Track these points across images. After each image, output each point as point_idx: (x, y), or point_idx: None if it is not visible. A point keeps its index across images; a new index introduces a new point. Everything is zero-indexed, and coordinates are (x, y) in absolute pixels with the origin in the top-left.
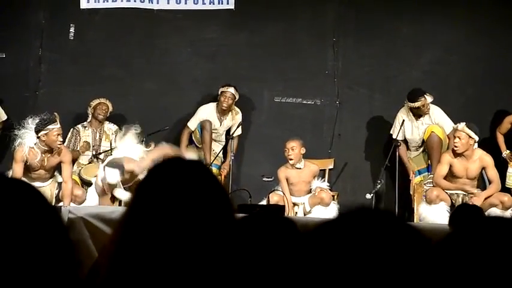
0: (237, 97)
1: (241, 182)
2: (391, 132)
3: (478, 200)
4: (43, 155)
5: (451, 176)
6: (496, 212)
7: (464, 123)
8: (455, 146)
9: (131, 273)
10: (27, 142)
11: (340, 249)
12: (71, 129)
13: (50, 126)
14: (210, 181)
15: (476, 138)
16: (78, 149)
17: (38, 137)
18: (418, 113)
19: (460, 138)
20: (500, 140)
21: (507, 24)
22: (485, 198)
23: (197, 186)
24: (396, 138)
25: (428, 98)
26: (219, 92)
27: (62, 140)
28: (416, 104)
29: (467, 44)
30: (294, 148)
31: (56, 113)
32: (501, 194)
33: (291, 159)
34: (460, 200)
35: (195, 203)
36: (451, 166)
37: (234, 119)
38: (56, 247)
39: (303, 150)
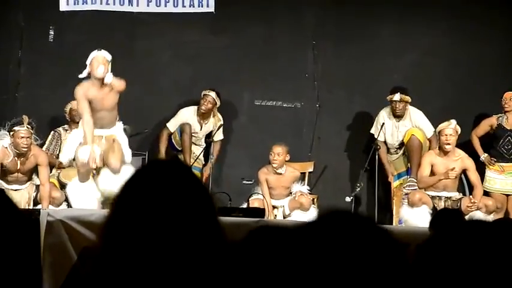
0: (218, 103)
1: (221, 185)
2: (371, 131)
3: (477, 204)
4: (16, 158)
5: (432, 175)
6: (479, 216)
7: (453, 120)
8: (448, 144)
9: (115, 276)
10: (2, 142)
11: (316, 253)
12: (52, 132)
13: (15, 128)
14: (193, 183)
15: (459, 131)
16: (58, 152)
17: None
18: (396, 111)
19: (452, 136)
20: (476, 142)
21: (487, 28)
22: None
23: (180, 188)
24: (376, 141)
25: (407, 97)
26: (202, 95)
27: (26, 143)
28: (395, 97)
29: (447, 47)
30: (280, 154)
31: (25, 116)
32: (485, 198)
33: (274, 164)
34: (443, 203)
35: (178, 205)
36: (433, 165)
37: (215, 125)
38: (22, 252)
39: (288, 157)
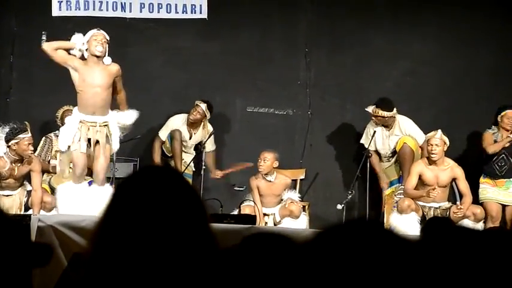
0: (208, 116)
1: (213, 191)
2: (361, 141)
3: (464, 210)
4: (13, 164)
5: (421, 185)
6: (468, 224)
7: (439, 130)
8: (433, 154)
9: (106, 282)
10: None
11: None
12: (44, 138)
13: (20, 136)
14: (185, 189)
15: (448, 143)
16: (49, 158)
17: (8, 146)
18: (375, 123)
19: (438, 146)
20: (494, 144)
21: (480, 36)
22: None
23: (172, 194)
24: (368, 149)
25: (381, 112)
26: (194, 104)
27: (32, 149)
28: (368, 109)
29: (439, 55)
30: (266, 160)
31: (26, 122)
32: (474, 206)
33: (260, 169)
34: (432, 212)
35: (170, 211)
36: (422, 175)
37: (205, 136)
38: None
39: (276, 164)
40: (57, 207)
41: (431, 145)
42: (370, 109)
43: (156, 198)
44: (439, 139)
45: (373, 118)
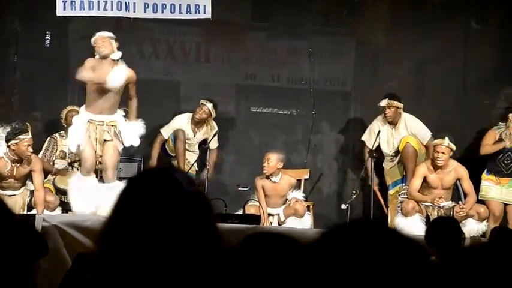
0: (214, 115)
1: (217, 191)
2: (362, 138)
3: (466, 209)
4: (13, 164)
5: (426, 187)
6: (472, 223)
7: (446, 137)
8: (439, 160)
9: (112, 283)
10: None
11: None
12: (48, 138)
13: (20, 136)
14: (193, 192)
15: (454, 148)
16: (54, 158)
17: (8, 146)
18: (386, 117)
19: (444, 153)
20: (490, 147)
21: (484, 37)
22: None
23: (178, 194)
24: (371, 150)
25: (396, 103)
26: (199, 103)
27: (31, 150)
28: (382, 102)
29: (443, 55)
30: (270, 161)
31: (28, 123)
32: (477, 205)
33: (264, 171)
34: (436, 213)
35: (176, 212)
36: (426, 177)
37: (209, 133)
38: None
39: (280, 165)
40: (70, 198)
41: (438, 152)
42: (384, 102)
43: (162, 199)
44: (445, 147)
45: (387, 112)
